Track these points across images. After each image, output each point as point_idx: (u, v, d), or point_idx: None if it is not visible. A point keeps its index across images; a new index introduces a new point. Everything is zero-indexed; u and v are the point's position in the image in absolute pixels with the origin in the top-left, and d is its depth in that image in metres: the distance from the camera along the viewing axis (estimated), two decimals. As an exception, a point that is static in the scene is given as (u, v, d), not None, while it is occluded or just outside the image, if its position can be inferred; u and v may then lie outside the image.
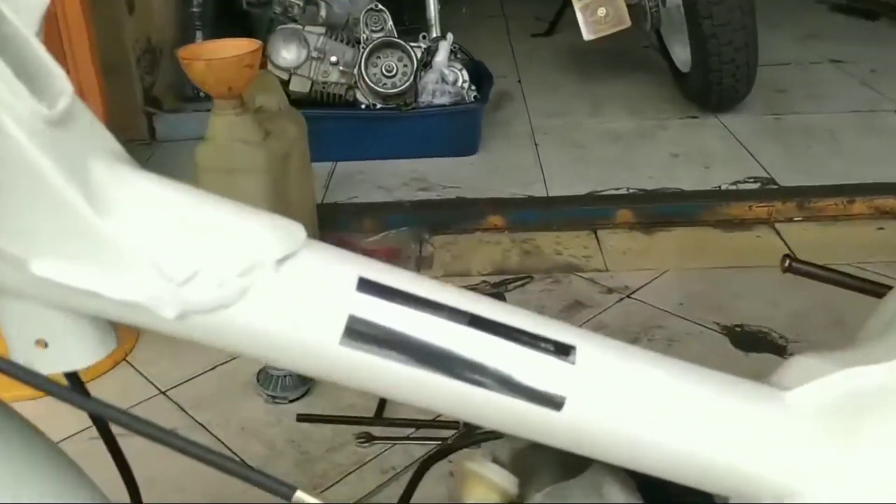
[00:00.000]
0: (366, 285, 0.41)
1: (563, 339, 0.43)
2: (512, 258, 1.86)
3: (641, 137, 2.39)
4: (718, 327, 1.58)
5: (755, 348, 1.51)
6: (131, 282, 0.37)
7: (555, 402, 0.42)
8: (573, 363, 0.42)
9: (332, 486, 1.24)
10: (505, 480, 0.51)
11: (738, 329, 1.57)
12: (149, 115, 2.47)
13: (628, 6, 2.32)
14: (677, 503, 0.48)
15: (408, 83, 2.15)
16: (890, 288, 0.56)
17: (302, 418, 1.36)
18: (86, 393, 0.44)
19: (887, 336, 0.47)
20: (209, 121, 1.50)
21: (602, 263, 1.82)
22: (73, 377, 0.45)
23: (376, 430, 1.34)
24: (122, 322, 0.41)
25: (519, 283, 1.74)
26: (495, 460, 0.52)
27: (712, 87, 2.37)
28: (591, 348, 0.43)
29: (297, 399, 1.42)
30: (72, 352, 0.42)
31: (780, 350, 1.50)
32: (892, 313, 0.50)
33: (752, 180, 2.10)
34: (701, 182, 2.08)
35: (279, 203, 1.58)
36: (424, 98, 2.19)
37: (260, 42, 1.47)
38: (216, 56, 1.41)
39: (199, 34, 2.58)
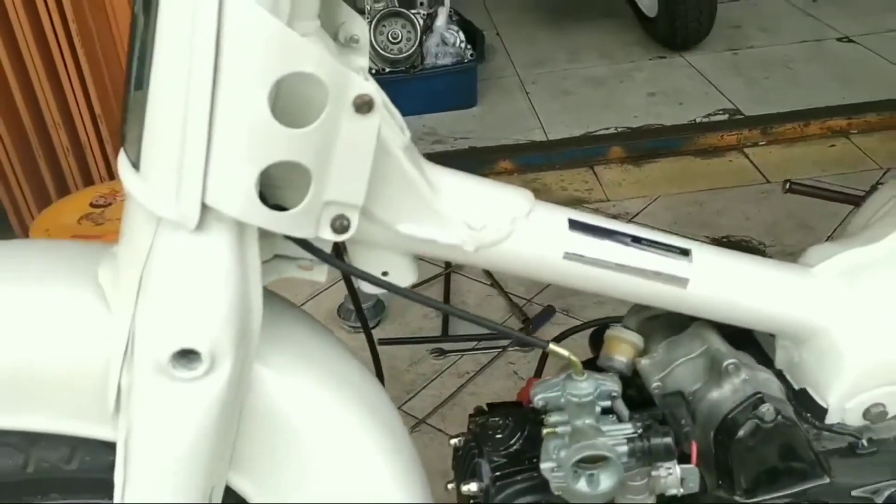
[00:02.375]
0: (574, 224, 0.70)
1: (683, 245, 0.73)
2: (525, 197, 2.15)
3: (620, 80, 2.68)
4: (709, 240, 1.90)
5: (740, 254, 1.84)
6: (453, 232, 0.66)
7: (683, 283, 0.72)
8: (691, 260, 0.73)
9: (420, 390, 1.55)
10: (636, 339, 0.81)
11: (724, 240, 1.90)
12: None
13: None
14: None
15: (413, 48, 2.40)
16: (863, 197, 0.87)
17: (383, 342, 1.66)
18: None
19: (872, 227, 0.78)
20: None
21: (603, 194, 2.13)
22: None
23: (446, 346, 1.64)
24: (437, 257, 0.69)
25: (535, 217, 2.04)
26: (628, 328, 0.82)
27: (678, 30, 2.67)
28: (701, 251, 0.74)
29: (373, 328, 1.71)
30: (402, 277, 0.70)
31: (762, 254, 1.84)
32: (872, 211, 0.81)
33: (721, 112, 2.41)
34: (678, 117, 2.40)
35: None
36: (429, 60, 2.45)
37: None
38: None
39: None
